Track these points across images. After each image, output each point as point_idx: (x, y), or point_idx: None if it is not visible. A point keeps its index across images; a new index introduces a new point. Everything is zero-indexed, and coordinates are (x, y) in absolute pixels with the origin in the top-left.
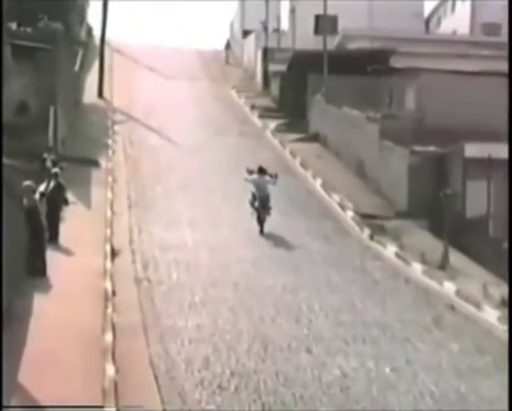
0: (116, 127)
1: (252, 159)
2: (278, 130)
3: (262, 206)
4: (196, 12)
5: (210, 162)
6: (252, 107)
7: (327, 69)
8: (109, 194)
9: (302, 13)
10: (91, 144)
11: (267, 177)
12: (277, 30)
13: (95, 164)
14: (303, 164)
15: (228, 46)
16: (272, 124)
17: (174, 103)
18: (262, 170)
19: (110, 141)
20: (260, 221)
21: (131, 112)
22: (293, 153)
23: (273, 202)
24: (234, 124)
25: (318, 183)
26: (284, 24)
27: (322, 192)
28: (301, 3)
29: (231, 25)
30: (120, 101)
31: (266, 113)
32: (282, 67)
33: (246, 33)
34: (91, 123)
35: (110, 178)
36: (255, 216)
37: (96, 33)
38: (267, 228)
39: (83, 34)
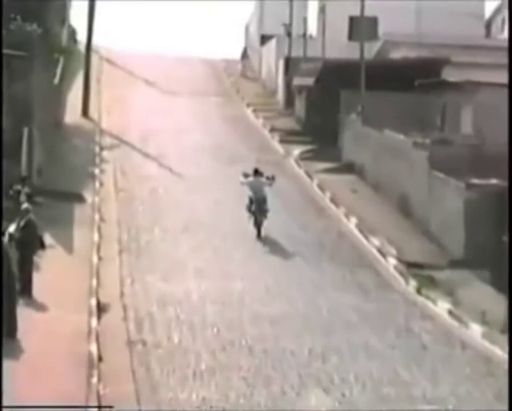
0: (105, 153)
1: (271, 193)
2: (303, 158)
3: (258, 209)
4: (203, 14)
5: (220, 199)
6: (272, 130)
7: (365, 83)
8: (95, 236)
9: (334, 14)
10: (74, 173)
11: (263, 179)
12: (303, 35)
13: (79, 198)
14: (334, 200)
15: (245, 55)
16: (297, 150)
17: (176, 124)
18: (257, 172)
19: (97, 171)
20: (257, 225)
21: (124, 136)
22: (322, 187)
23: (297, 246)
24: (250, 150)
25: (352, 223)
26: (312, 28)
27: (357, 234)
28: (332, 2)
29: (247, 29)
30: (110, 122)
31: (288, 137)
32: (309, 81)
33: (264, 39)
34: (74, 147)
35: (96, 216)
36: (252, 220)
37: (82, 37)
38: (289, 279)
39: (64, 38)
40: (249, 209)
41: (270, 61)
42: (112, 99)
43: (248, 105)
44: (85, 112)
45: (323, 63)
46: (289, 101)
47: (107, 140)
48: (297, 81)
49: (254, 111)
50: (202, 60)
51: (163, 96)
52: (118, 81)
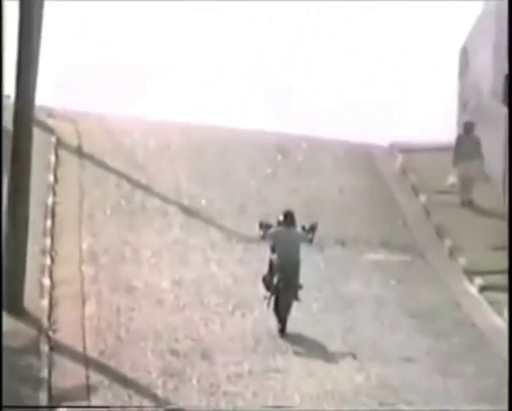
0: None
1: None
2: None
3: (285, 282)
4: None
5: None
6: None
7: None
8: None
9: None
10: None
11: (298, 230)
12: None
13: None
14: None
15: (461, 137)
16: None
17: (264, 329)
18: (287, 218)
19: None
20: (280, 313)
21: (118, 363)
22: None
23: None
24: None
25: None
26: None
27: None
28: None
29: (461, 75)
30: (83, 327)
31: None
32: None
33: None
34: None
35: None
36: (271, 302)
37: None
38: None
39: None
40: (266, 282)
41: None
42: (87, 262)
43: (470, 274)
44: (13, 298)
45: None
46: None
47: (69, 376)
48: None
49: (488, 289)
50: (338, 143)
51: (232, 249)
52: (106, 207)
